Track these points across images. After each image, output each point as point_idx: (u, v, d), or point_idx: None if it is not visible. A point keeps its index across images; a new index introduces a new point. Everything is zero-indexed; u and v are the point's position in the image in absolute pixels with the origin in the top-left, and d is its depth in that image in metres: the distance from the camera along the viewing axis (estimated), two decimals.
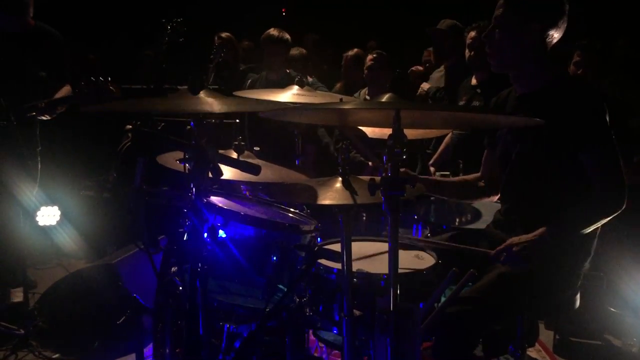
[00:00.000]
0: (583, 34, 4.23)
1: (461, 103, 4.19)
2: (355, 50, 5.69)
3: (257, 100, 2.91)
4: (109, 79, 3.51)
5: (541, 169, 2.33)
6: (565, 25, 2.35)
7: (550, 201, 2.32)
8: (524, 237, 2.22)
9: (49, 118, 3.66)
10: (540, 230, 2.21)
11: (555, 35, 2.35)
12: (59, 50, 3.81)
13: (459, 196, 2.85)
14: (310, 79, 4.82)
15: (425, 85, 4.92)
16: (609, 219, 2.24)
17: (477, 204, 3.19)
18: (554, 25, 2.32)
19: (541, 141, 2.30)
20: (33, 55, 3.68)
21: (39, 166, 3.84)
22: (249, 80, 4.85)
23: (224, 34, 5.52)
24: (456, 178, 2.87)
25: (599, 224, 2.26)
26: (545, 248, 2.19)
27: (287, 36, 4.63)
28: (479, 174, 2.75)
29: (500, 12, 2.34)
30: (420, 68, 5.96)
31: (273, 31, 4.60)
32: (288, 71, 4.68)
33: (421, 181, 2.56)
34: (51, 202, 4.41)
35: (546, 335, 3.65)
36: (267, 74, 4.69)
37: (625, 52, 4.57)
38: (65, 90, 3.79)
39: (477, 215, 3.07)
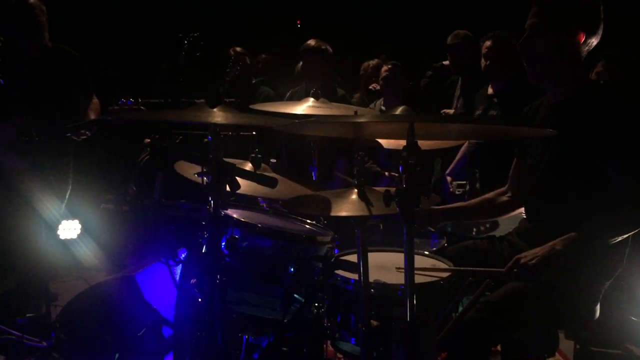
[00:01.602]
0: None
1: (478, 113, 4.18)
2: (376, 60, 5.72)
3: (272, 113, 2.94)
4: (139, 99, 3.66)
5: (571, 178, 2.29)
6: (601, 32, 2.30)
7: (578, 210, 2.27)
8: (533, 250, 2.18)
9: (88, 136, 3.88)
10: (552, 242, 2.18)
11: (594, 42, 2.30)
12: (79, 66, 3.99)
13: (483, 216, 2.81)
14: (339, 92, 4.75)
15: (449, 112, 4.90)
16: (629, 234, 2.20)
17: None
18: (595, 32, 2.27)
19: (573, 149, 2.25)
20: (55, 75, 3.84)
21: (70, 179, 4.02)
22: (288, 93, 4.83)
23: (238, 48, 5.57)
24: (475, 200, 2.81)
25: (618, 239, 2.19)
26: (558, 259, 2.15)
27: (326, 46, 4.56)
28: (501, 189, 2.69)
29: (539, 19, 2.27)
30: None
31: (311, 41, 4.59)
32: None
33: (442, 214, 2.56)
34: (72, 215, 4.46)
35: (566, 345, 3.61)
36: (307, 86, 4.64)
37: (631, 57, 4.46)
38: (95, 105, 3.99)
39: (494, 224, 3.06)
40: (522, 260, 2.15)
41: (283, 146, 4.58)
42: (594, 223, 2.19)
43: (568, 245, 2.15)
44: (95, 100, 4.02)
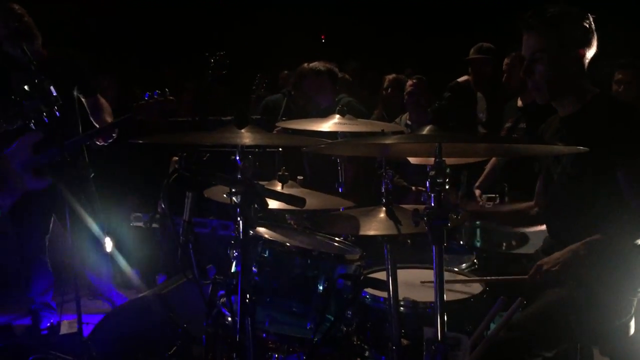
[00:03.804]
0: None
1: (507, 125, 4.16)
2: (393, 75, 5.73)
3: (300, 132, 2.95)
4: (166, 89, 3.59)
5: (583, 188, 2.32)
6: (596, 42, 2.34)
7: (594, 220, 2.29)
8: (554, 256, 2.22)
9: (104, 143, 3.70)
10: (572, 246, 2.21)
11: (592, 54, 2.34)
12: (77, 67, 3.86)
13: (512, 224, 2.81)
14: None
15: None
16: None
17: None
18: (590, 45, 2.32)
19: (581, 160, 2.28)
20: (57, 82, 3.73)
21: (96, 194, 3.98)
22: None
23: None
24: (507, 208, 2.83)
25: (636, 241, 2.22)
26: (581, 263, 2.17)
27: (322, 66, 4.63)
28: (531, 203, 2.71)
29: (538, 44, 2.30)
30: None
31: (314, 64, 4.63)
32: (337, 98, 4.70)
33: (473, 211, 2.56)
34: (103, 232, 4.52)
35: None
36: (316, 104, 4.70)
37: None
38: (105, 107, 3.87)
39: (524, 240, 3.02)
40: (545, 267, 2.20)
41: (307, 163, 4.61)
42: (616, 225, 2.22)
43: (591, 248, 2.19)
44: (102, 100, 3.89)
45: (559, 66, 2.30)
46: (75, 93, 3.85)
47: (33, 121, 2.81)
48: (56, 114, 2.79)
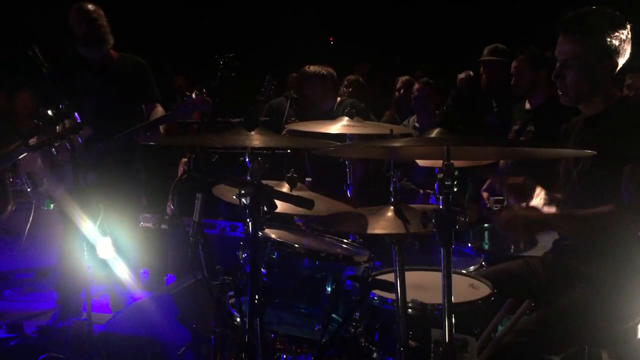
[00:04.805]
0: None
1: (515, 128, 4.15)
2: (406, 77, 5.75)
3: (310, 134, 2.96)
4: (204, 90, 3.70)
5: (599, 187, 2.31)
6: (630, 50, 2.34)
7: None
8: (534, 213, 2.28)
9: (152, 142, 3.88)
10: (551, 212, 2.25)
11: (622, 62, 2.34)
12: (141, 74, 4.01)
13: None
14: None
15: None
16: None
17: None
18: (625, 55, 2.32)
19: (600, 159, 2.24)
20: (120, 85, 3.89)
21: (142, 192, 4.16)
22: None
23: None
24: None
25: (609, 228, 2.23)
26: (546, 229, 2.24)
27: (325, 70, 4.67)
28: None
29: (573, 51, 2.30)
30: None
31: (312, 67, 4.66)
32: (339, 99, 4.73)
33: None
34: (110, 233, 4.53)
35: None
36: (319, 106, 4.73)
37: None
38: (157, 114, 3.98)
39: (532, 242, 3.03)
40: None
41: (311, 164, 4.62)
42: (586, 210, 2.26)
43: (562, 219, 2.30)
44: (159, 109, 4.00)
45: (591, 74, 2.30)
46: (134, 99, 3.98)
47: (54, 148, 2.89)
48: (79, 139, 2.87)
